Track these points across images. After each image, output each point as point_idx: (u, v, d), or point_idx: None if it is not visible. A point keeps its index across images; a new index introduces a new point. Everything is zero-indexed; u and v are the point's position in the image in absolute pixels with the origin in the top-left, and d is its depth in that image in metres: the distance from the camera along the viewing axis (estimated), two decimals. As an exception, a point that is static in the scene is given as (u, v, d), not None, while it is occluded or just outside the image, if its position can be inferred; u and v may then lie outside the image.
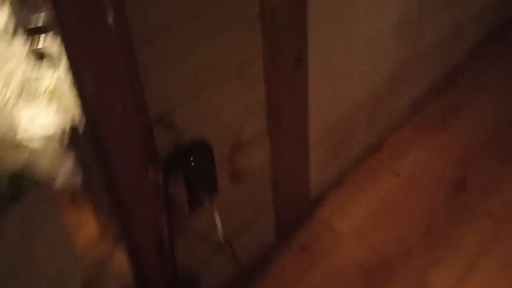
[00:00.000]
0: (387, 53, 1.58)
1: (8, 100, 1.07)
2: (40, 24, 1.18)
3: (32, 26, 1.18)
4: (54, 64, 1.15)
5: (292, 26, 1.10)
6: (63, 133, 1.09)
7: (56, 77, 1.14)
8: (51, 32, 1.15)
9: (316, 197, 1.50)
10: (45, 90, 1.13)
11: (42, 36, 1.17)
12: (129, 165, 0.87)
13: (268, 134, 1.17)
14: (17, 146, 1.01)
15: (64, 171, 1.10)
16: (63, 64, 1.01)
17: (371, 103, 1.60)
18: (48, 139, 1.06)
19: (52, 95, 1.13)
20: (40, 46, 1.17)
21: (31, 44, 1.17)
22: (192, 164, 0.96)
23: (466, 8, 1.93)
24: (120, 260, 1.16)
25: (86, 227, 1.38)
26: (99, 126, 0.81)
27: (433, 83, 1.92)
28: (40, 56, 1.17)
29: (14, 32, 1.16)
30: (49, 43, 1.17)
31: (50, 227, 0.93)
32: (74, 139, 1.09)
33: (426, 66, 1.84)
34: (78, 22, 0.71)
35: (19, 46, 1.14)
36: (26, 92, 1.11)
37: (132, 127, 0.85)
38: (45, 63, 1.16)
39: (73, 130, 1.09)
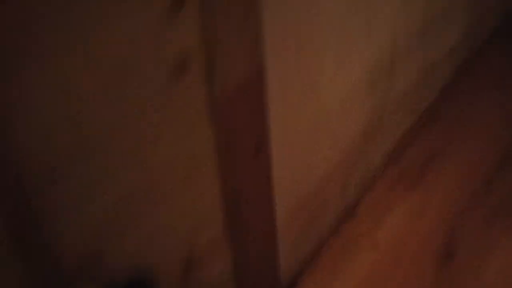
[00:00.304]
0: (360, 108, 1.41)
1: None
2: None
3: None
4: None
5: (249, 111, 0.90)
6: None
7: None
8: None
9: (288, 286, 1.30)
10: None
11: None
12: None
13: (227, 238, 0.96)
14: None
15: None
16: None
17: (345, 166, 1.41)
18: None
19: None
20: None
21: None
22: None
23: (440, 44, 1.78)
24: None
25: None
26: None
27: (408, 129, 1.75)
28: None
29: None
30: None
31: None
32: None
33: (400, 112, 1.68)
34: None
35: None
36: None
37: None
38: None
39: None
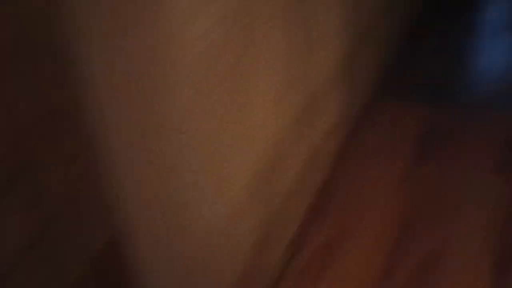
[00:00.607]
0: (247, 218, 1.31)
1: None
2: None
3: None
4: None
5: None
6: None
7: None
8: None
9: None
10: None
11: None
12: None
13: None
14: None
15: None
16: None
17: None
18: None
19: None
20: None
21: None
22: None
23: (320, 126, 1.77)
24: None
25: None
26: None
27: (300, 225, 1.67)
28: None
29: None
30: None
31: None
32: None
33: (286, 212, 1.59)
34: None
35: None
36: None
37: None
38: None
39: None
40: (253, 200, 1.31)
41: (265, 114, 1.31)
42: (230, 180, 1.17)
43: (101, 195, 0.76)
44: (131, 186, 0.83)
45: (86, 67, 0.71)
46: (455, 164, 1.93)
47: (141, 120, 0.84)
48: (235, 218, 1.22)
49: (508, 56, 2.55)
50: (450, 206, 1.76)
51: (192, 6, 0.92)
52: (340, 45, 1.81)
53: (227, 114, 1.10)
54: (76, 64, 0.69)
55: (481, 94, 2.35)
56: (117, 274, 0.77)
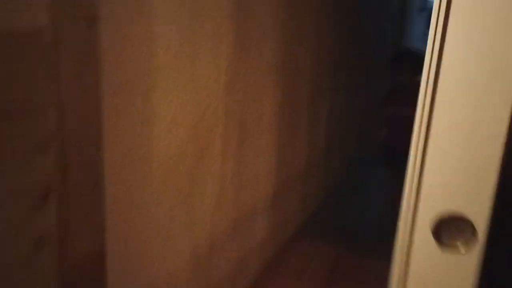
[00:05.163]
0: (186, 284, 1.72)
1: None
2: None
3: None
4: None
5: (89, 282, 1.17)
6: None
7: None
8: None
9: None
10: None
11: None
12: None
13: None
14: None
15: None
16: None
17: None
18: None
19: None
20: None
21: None
22: None
23: (250, 239, 2.25)
24: None
25: None
26: None
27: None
28: None
29: None
30: None
31: None
32: None
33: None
34: None
35: None
36: None
37: None
38: None
39: None
40: (193, 274, 1.73)
41: (206, 214, 1.80)
42: (177, 249, 1.61)
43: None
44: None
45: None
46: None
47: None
48: (175, 279, 1.63)
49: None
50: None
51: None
52: (271, 184, 2.40)
53: (179, 204, 1.60)
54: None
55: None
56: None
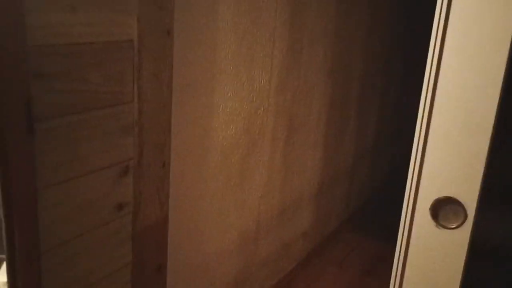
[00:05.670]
0: (231, 261, 1.97)
1: None
2: None
3: None
4: None
5: (155, 241, 1.44)
6: None
7: None
8: None
9: None
10: None
11: None
12: None
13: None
14: None
15: None
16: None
17: (219, 305, 1.90)
18: None
19: None
20: None
21: None
22: None
23: (294, 227, 2.47)
24: None
25: None
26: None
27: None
28: None
29: None
30: None
31: None
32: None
33: (263, 273, 2.25)
34: None
35: None
36: None
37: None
38: None
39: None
40: (238, 251, 1.97)
41: (254, 200, 2.04)
42: (226, 228, 1.86)
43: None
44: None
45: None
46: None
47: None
48: (222, 257, 1.88)
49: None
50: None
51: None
52: (316, 178, 2.60)
53: (230, 187, 1.84)
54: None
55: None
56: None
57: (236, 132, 1.79)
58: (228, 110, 1.70)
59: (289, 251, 2.45)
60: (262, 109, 1.91)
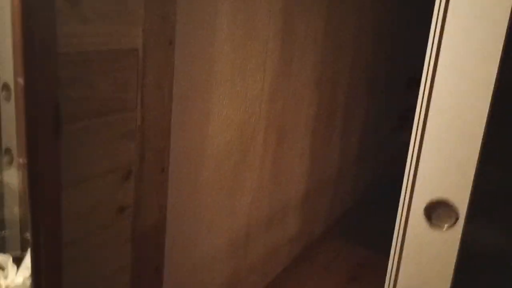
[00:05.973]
0: (222, 264, 2.00)
1: None
2: None
3: None
4: None
5: (154, 243, 1.47)
6: None
7: None
8: None
9: None
10: None
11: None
12: None
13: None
14: None
15: None
16: None
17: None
18: None
19: None
20: None
21: None
22: None
23: (282, 233, 2.52)
24: None
25: None
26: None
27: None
28: None
29: None
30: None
31: None
32: None
33: (252, 279, 2.29)
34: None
35: None
36: None
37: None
38: None
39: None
40: (230, 256, 2.01)
41: (245, 206, 2.08)
42: (219, 232, 1.90)
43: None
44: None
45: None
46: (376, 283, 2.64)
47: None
48: (215, 260, 1.92)
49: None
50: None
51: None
52: (304, 185, 2.66)
53: (223, 193, 1.88)
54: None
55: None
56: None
57: (230, 140, 1.84)
58: (223, 117, 1.75)
59: (276, 256, 2.50)
60: (254, 117, 1.96)
